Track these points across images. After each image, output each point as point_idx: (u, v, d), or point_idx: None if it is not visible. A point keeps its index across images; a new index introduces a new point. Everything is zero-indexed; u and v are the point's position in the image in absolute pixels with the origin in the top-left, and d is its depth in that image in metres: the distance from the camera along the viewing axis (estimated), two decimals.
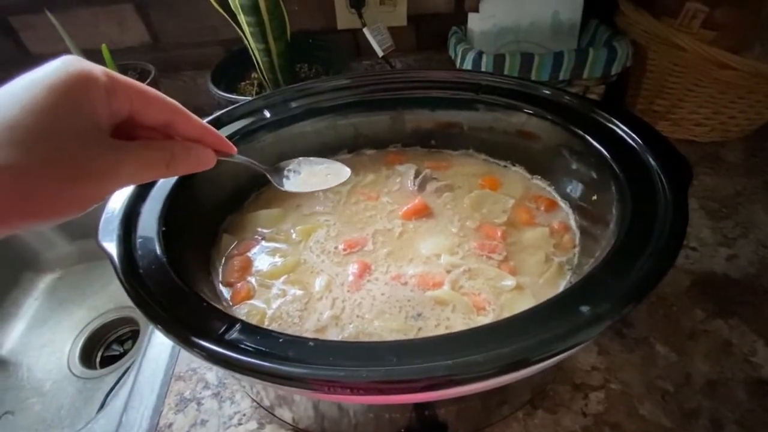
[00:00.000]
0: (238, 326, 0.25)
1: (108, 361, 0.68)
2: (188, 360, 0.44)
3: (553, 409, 0.38)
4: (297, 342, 0.24)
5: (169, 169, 0.26)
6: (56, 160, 0.21)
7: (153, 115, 0.26)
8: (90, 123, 0.22)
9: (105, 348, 0.71)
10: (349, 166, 0.38)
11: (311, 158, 0.39)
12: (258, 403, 0.40)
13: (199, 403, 0.41)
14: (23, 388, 0.64)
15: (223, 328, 0.25)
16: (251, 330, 0.25)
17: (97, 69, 0.23)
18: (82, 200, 0.23)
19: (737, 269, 0.49)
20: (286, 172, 0.37)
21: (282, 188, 0.37)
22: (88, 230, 0.33)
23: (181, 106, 0.27)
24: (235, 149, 0.32)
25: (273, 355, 0.23)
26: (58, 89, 0.21)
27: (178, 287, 0.28)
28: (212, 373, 0.43)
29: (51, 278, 0.77)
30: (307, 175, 0.38)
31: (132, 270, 0.29)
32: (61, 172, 0.21)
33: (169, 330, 0.25)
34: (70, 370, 0.66)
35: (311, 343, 0.24)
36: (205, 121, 0.29)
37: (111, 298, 0.73)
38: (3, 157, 0.19)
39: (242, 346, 0.24)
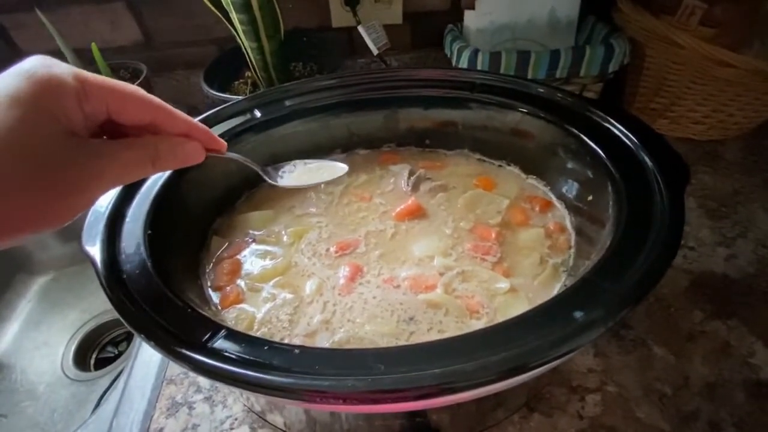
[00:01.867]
0: (222, 333, 0.24)
1: (102, 364, 0.68)
2: None
3: (549, 412, 0.38)
4: (282, 349, 0.24)
5: (156, 166, 0.26)
6: (35, 176, 0.20)
7: (132, 115, 0.25)
8: (64, 132, 0.22)
9: (99, 350, 0.70)
10: None
11: (307, 160, 0.38)
12: (249, 408, 0.39)
13: (190, 408, 0.40)
14: (16, 391, 0.64)
15: (207, 335, 0.24)
16: (236, 337, 0.24)
17: (65, 73, 0.22)
18: (68, 211, 0.22)
19: (736, 269, 0.48)
20: (280, 173, 0.37)
21: (275, 184, 0.36)
22: (82, 232, 0.32)
23: (163, 103, 0.26)
24: (225, 145, 0.31)
25: (257, 364, 0.23)
26: (25, 100, 0.20)
27: (162, 293, 0.28)
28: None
29: (44, 280, 0.76)
30: (301, 173, 0.37)
31: (115, 275, 0.28)
32: (42, 188, 0.21)
33: (151, 338, 0.24)
34: (64, 373, 0.66)
35: (297, 351, 0.23)
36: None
37: (105, 300, 0.72)
38: None
39: (226, 354, 0.23)
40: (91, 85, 0.23)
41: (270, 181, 0.36)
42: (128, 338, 0.71)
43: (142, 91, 0.25)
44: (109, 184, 0.24)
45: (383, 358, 0.22)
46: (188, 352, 0.23)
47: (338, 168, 0.37)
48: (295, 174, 0.37)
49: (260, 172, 0.36)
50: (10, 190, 0.20)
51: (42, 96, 0.21)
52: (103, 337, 0.71)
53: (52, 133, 0.21)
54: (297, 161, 0.38)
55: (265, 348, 0.24)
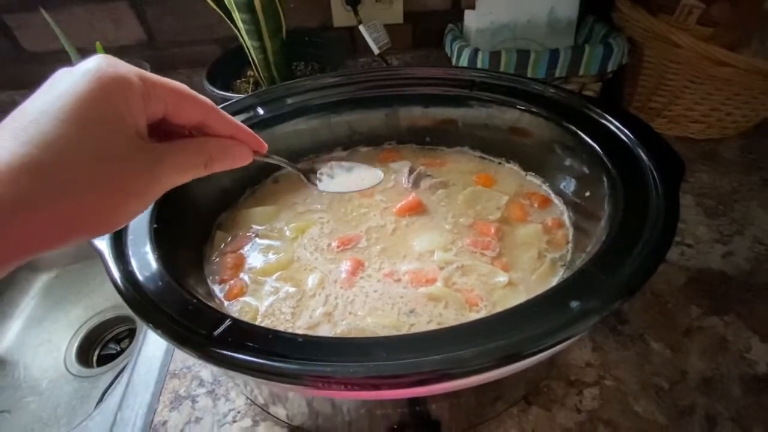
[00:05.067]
0: (227, 323, 0.25)
1: (105, 360, 0.68)
2: (183, 358, 0.44)
3: (547, 406, 0.38)
4: (286, 338, 0.24)
5: (207, 168, 0.26)
6: (105, 178, 0.20)
7: (187, 115, 0.25)
8: (132, 134, 0.22)
9: (102, 347, 0.71)
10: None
11: (343, 162, 0.39)
12: (252, 401, 0.40)
13: (193, 401, 0.41)
14: (20, 387, 0.64)
15: (213, 324, 0.25)
16: (240, 326, 0.25)
17: (131, 73, 0.22)
18: (129, 214, 0.22)
19: (733, 266, 0.49)
20: (319, 174, 0.37)
21: (316, 189, 0.37)
22: None
23: (213, 104, 0.26)
24: (266, 146, 0.31)
25: (262, 351, 0.23)
26: (94, 100, 0.20)
27: (169, 285, 0.28)
28: (207, 370, 0.43)
29: (47, 277, 0.77)
30: (342, 178, 0.38)
31: (123, 267, 0.29)
32: (110, 190, 0.21)
33: (159, 327, 0.25)
34: (67, 369, 0.66)
35: (300, 339, 0.24)
36: None
37: (108, 297, 0.73)
38: (51, 181, 0.19)
39: (231, 342, 0.24)
40: (154, 85, 0.23)
41: (310, 186, 0.37)
42: (130, 335, 0.71)
43: (194, 92, 0.25)
44: (166, 187, 0.24)
45: (385, 346, 0.23)
46: (195, 341, 0.24)
47: (376, 176, 0.39)
48: (335, 180, 0.38)
49: (302, 177, 0.36)
50: (83, 191, 0.20)
51: (111, 97, 0.21)
52: (106, 333, 0.72)
53: (121, 135, 0.21)
54: (334, 163, 0.38)
55: (270, 337, 0.24)
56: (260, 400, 0.38)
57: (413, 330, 0.33)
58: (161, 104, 0.24)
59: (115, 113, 0.21)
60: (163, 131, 0.25)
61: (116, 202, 0.21)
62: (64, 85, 0.20)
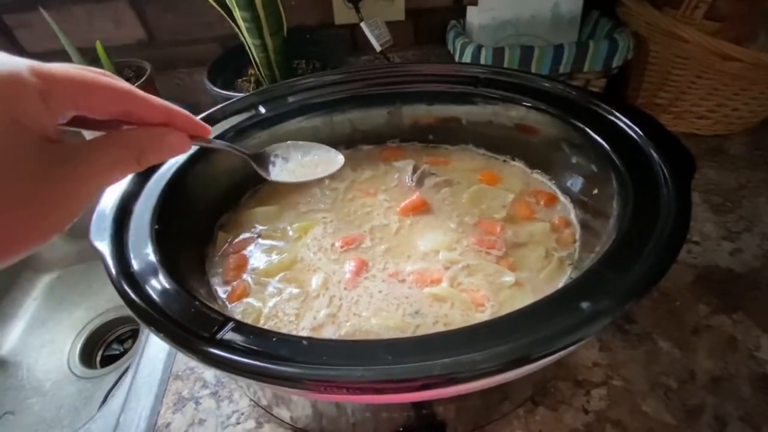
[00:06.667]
0: (230, 325, 0.24)
1: (108, 361, 0.68)
2: (186, 359, 0.44)
3: (554, 406, 0.38)
4: (290, 341, 0.24)
5: (141, 163, 0.23)
6: (9, 194, 0.18)
7: (103, 107, 0.22)
8: (36, 140, 0.19)
9: (105, 347, 0.71)
10: (346, 162, 0.37)
11: (300, 143, 0.36)
12: (256, 403, 0.39)
13: (197, 403, 0.41)
14: (23, 388, 0.64)
15: (215, 327, 0.24)
16: (244, 329, 0.24)
17: (20, 69, 0.19)
18: (58, 224, 0.20)
19: (741, 263, 0.48)
20: (272, 158, 0.34)
21: (268, 177, 0.34)
22: (87, 230, 0.32)
23: (135, 90, 0.23)
24: (209, 130, 0.28)
25: (265, 354, 0.23)
26: None
27: (170, 287, 0.28)
28: (210, 372, 0.43)
29: (50, 278, 0.77)
30: (296, 164, 0.35)
31: (124, 269, 0.29)
32: (21, 207, 0.18)
33: (160, 330, 0.24)
34: (70, 370, 0.66)
35: (305, 342, 0.23)
36: (198, 118, 0.27)
37: (111, 298, 0.73)
38: None
39: (234, 345, 0.23)
40: (53, 79, 0.20)
41: (260, 172, 0.34)
42: (134, 335, 0.71)
43: (110, 79, 0.22)
44: (96, 189, 0.22)
45: (391, 348, 0.22)
46: (197, 344, 0.23)
47: (335, 161, 0.35)
48: (289, 164, 0.34)
49: (252, 162, 0.34)
50: None
51: (0, 100, 0.18)
52: (109, 334, 0.72)
53: (21, 142, 0.18)
54: (291, 143, 0.35)
55: (274, 339, 0.24)
56: (264, 402, 0.38)
57: (418, 331, 0.32)
58: (68, 100, 0.21)
59: (9, 118, 0.18)
60: (84, 125, 0.23)
61: (31, 217, 0.19)
62: None
